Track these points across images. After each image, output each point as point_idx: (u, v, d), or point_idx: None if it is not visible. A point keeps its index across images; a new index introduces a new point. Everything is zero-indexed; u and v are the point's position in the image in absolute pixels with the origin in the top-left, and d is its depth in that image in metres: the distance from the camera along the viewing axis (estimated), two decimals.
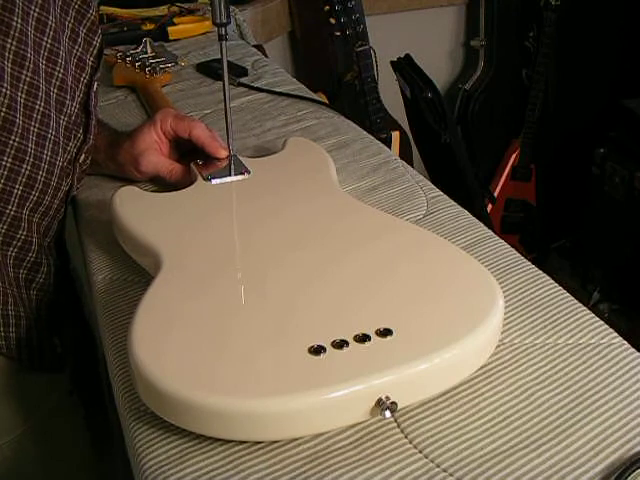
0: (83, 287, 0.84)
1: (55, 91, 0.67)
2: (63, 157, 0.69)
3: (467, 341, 0.46)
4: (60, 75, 0.67)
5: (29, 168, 0.65)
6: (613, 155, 1.91)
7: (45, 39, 0.65)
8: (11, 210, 0.65)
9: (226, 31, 0.65)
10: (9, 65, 0.61)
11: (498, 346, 0.50)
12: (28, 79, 0.63)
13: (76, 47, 0.70)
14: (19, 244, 0.67)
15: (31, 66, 0.63)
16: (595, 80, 2.14)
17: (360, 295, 0.50)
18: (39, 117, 0.65)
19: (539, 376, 0.49)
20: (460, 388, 0.48)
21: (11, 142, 0.63)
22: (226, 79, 0.68)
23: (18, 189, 0.65)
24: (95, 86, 0.73)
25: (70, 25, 0.69)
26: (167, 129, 0.76)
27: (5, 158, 0.63)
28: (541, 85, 2.15)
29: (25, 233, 0.67)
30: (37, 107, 0.64)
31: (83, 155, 0.73)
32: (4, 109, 0.61)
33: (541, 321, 0.54)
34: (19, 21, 0.61)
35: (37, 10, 0.63)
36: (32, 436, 0.71)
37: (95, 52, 0.73)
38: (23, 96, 0.63)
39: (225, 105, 0.69)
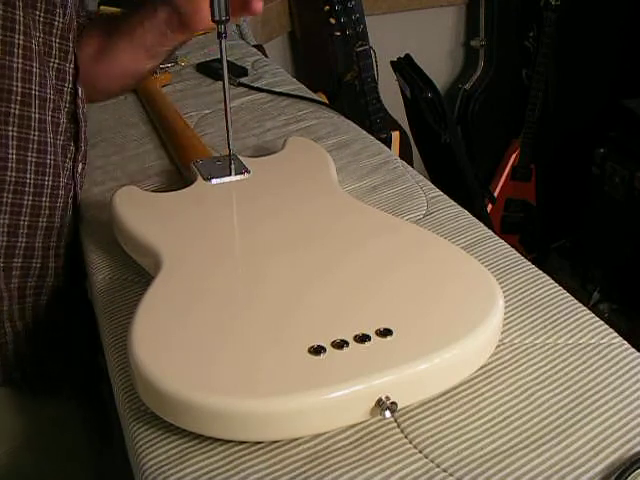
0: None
1: (49, 114, 0.65)
2: (63, 175, 0.69)
3: (467, 341, 0.46)
4: (50, 96, 0.65)
5: (31, 198, 0.64)
6: (613, 155, 1.91)
7: (33, 63, 0.63)
8: (22, 242, 0.65)
9: (225, 28, 0.65)
10: None
11: (498, 346, 0.50)
12: (17, 112, 0.62)
13: (52, 60, 0.68)
14: (36, 272, 0.67)
15: (19, 98, 0.61)
16: (595, 80, 2.14)
17: (360, 295, 0.50)
18: (35, 146, 0.64)
19: (539, 376, 0.49)
20: (460, 388, 0.48)
21: (8, 178, 0.62)
22: (226, 77, 0.68)
23: (24, 220, 0.64)
24: (80, 91, 0.72)
25: (41, 40, 0.66)
26: None
27: (5, 194, 0.62)
28: (541, 85, 2.15)
29: (40, 261, 0.67)
30: (32, 137, 0.63)
31: (80, 164, 0.73)
32: None
33: (541, 321, 0.54)
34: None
35: (21, 38, 0.61)
36: (31, 443, 0.71)
37: (73, 58, 0.70)
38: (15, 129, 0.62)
39: (225, 104, 0.69)
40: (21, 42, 0.61)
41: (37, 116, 0.64)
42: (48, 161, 0.65)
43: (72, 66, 0.70)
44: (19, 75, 0.61)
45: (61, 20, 0.68)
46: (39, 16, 0.66)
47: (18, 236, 0.64)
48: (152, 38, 0.72)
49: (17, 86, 0.61)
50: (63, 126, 0.68)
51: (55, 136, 0.67)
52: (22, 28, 0.61)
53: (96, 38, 0.75)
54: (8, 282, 0.66)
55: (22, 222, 0.64)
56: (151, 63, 0.76)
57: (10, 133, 0.62)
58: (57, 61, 0.68)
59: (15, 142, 0.62)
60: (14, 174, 0.62)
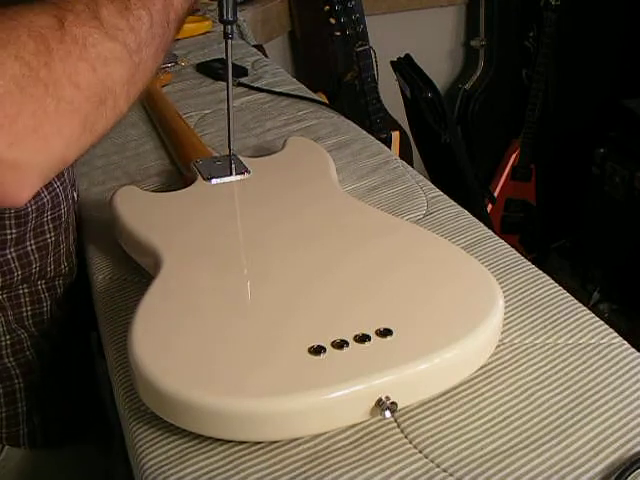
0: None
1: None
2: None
3: (467, 341, 0.46)
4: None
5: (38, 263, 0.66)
6: (613, 155, 1.91)
7: None
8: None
9: (232, 29, 0.65)
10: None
11: (498, 346, 0.50)
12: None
13: None
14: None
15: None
16: (595, 80, 2.14)
17: (360, 295, 0.50)
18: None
19: (539, 376, 0.49)
20: (460, 388, 0.48)
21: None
22: (230, 78, 0.67)
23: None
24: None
25: None
26: None
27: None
28: (541, 85, 2.15)
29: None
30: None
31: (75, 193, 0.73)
32: None
33: (541, 321, 0.54)
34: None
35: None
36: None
37: None
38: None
39: (228, 104, 0.68)
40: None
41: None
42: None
43: None
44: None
45: None
46: None
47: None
48: None
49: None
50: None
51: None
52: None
53: None
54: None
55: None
56: None
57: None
58: None
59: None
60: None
